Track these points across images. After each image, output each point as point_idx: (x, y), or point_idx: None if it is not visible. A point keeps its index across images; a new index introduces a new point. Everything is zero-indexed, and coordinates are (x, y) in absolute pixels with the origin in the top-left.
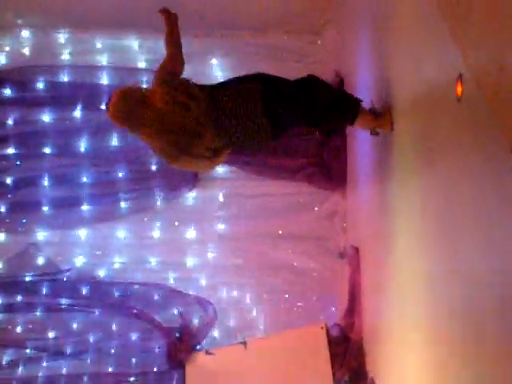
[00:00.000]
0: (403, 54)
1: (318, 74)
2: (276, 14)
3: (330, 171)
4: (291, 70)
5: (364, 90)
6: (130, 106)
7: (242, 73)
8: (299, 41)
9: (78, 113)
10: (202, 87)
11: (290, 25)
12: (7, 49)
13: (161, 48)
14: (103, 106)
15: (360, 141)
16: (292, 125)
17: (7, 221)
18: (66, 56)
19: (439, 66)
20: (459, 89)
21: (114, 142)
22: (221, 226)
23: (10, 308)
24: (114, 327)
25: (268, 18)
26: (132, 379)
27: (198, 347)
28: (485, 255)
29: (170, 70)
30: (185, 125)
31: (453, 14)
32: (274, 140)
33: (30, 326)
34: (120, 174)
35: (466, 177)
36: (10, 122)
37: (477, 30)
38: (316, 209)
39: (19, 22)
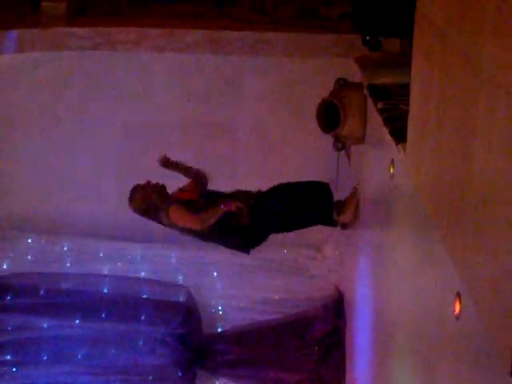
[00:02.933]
0: (401, 273)
1: (317, 288)
2: None
3: None
4: (291, 284)
5: (363, 305)
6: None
7: (244, 287)
8: (299, 255)
9: (77, 321)
10: None
11: (289, 239)
12: (11, 255)
13: (163, 258)
14: (102, 315)
15: (360, 355)
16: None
17: None
18: (67, 263)
19: (437, 284)
20: (457, 307)
21: (112, 351)
22: None
23: None
24: None
25: None
26: None
27: None
28: None
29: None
30: None
31: (450, 234)
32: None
33: None
34: None
35: None
36: (8, 328)
37: (473, 250)
38: None
39: (24, 228)
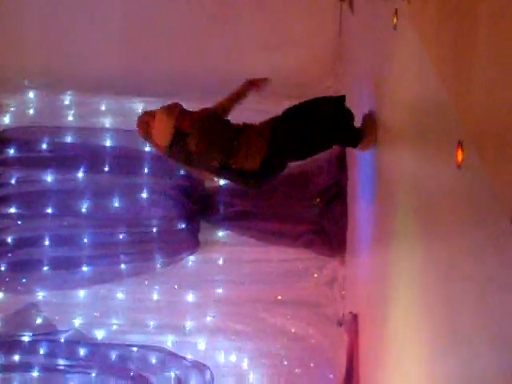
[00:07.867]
0: (403, 120)
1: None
2: (277, 81)
3: (330, 238)
4: None
5: (365, 158)
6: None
7: None
8: None
9: (80, 174)
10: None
11: (292, 91)
12: (13, 109)
13: None
14: (106, 168)
15: (361, 208)
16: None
17: (7, 280)
18: (70, 117)
19: (439, 133)
20: (459, 156)
21: (116, 204)
22: (220, 291)
23: (6, 367)
24: None
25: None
26: None
27: None
28: (484, 323)
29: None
30: None
31: (453, 81)
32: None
33: None
34: (120, 236)
35: (466, 245)
36: (12, 181)
37: (478, 97)
38: (315, 275)
39: (25, 83)
